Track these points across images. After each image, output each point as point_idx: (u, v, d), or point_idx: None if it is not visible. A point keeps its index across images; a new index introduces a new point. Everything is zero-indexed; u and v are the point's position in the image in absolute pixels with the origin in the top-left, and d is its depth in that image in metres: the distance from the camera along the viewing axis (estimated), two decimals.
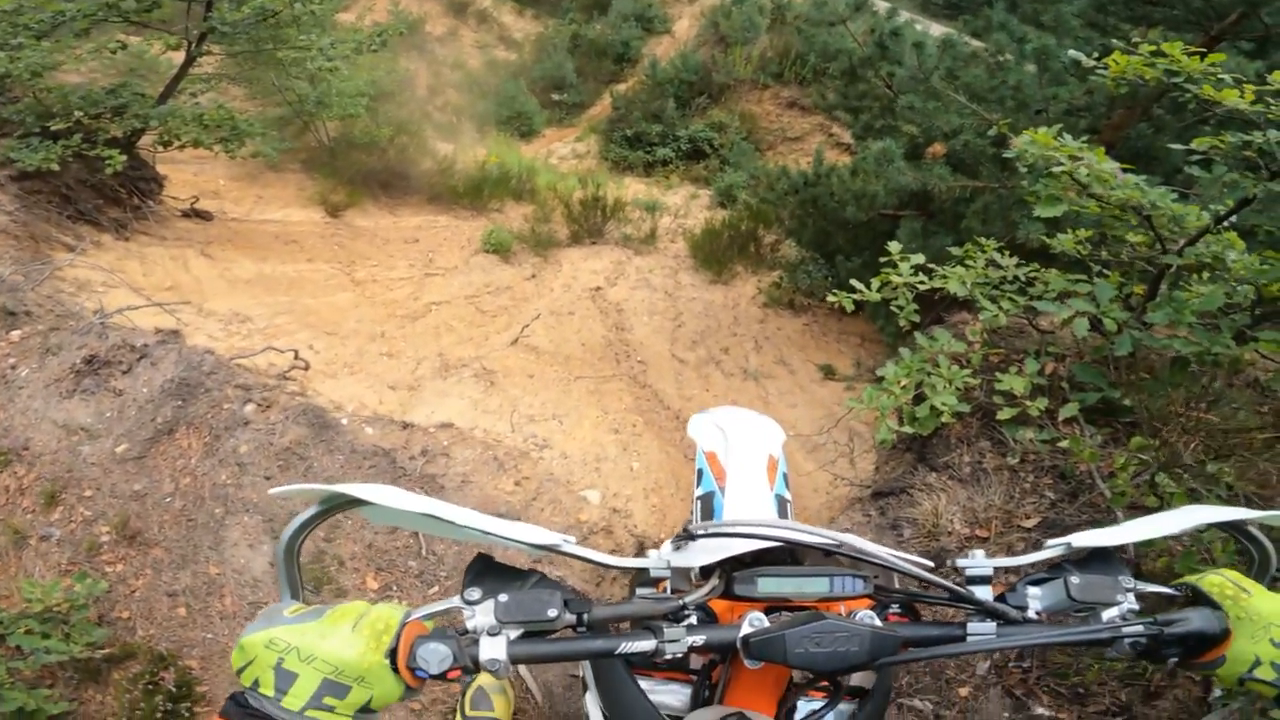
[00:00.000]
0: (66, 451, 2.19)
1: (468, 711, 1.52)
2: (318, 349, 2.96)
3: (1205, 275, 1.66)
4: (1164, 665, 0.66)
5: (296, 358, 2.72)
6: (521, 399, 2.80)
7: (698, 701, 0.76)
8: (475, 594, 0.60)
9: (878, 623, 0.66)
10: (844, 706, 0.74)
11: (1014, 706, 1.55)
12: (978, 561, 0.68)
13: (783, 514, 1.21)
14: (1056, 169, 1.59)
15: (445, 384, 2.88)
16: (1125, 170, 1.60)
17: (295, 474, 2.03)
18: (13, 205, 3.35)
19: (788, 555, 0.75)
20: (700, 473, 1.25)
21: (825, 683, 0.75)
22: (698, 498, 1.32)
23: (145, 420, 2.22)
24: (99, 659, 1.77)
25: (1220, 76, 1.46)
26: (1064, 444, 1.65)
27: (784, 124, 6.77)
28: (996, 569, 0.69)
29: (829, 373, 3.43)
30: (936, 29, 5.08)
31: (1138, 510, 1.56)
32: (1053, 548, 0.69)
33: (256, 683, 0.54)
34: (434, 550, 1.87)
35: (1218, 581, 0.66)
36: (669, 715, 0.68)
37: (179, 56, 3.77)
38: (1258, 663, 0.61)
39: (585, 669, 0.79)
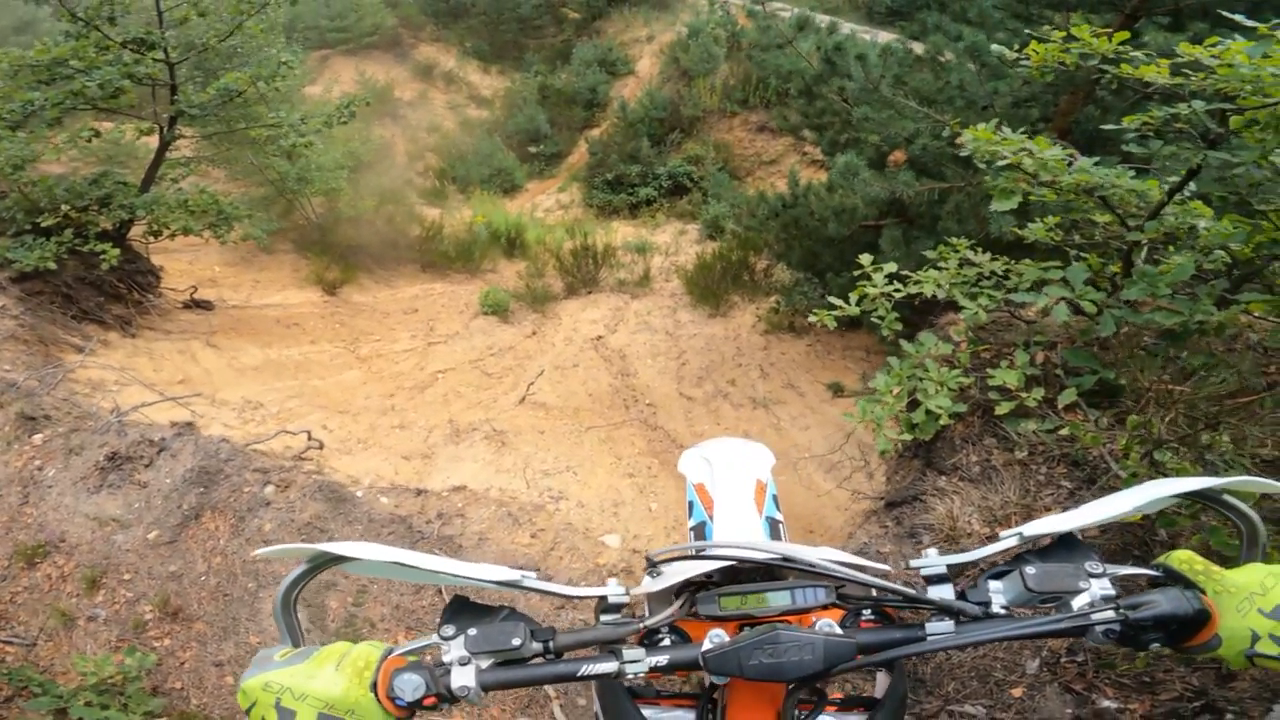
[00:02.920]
0: (101, 541, 2.27)
1: None
2: (330, 428, 2.99)
3: (1175, 248, 1.65)
4: (1149, 651, 0.64)
5: (310, 438, 2.75)
6: (534, 455, 2.82)
7: None
8: (449, 630, 0.65)
9: (836, 630, 0.67)
10: (854, 718, 0.73)
11: (1075, 702, 1.50)
12: (930, 560, 0.68)
13: (775, 535, 1.21)
14: (1001, 162, 1.61)
15: (458, 449, 2.90)
16: (1073, 155, 1.60)
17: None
18: (18, 309, 3.41)
19: (765, 574, 0.76)
20: (691, 505, 1.26)
21: (835, 695, 0.76)
22: (690, 529, 1.34)
23: (172, 508, 2.30)
24: None
25: (1131, 55, 1.47)
26: (1065, 431, 1.65)
27: (758, 149, 6.93)
28: (950, 566, 0.68)
29: (838, 390, 3.45)
30: (884, 36, 5.21)
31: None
32: (1006, 538, 0.68)
33: None
34: None
35: (1185, 557, 0.64)
36: None
37: (154, 141, 3.83)
38: (1256, 637, 0.58)
39: (594, 701, 0.81)
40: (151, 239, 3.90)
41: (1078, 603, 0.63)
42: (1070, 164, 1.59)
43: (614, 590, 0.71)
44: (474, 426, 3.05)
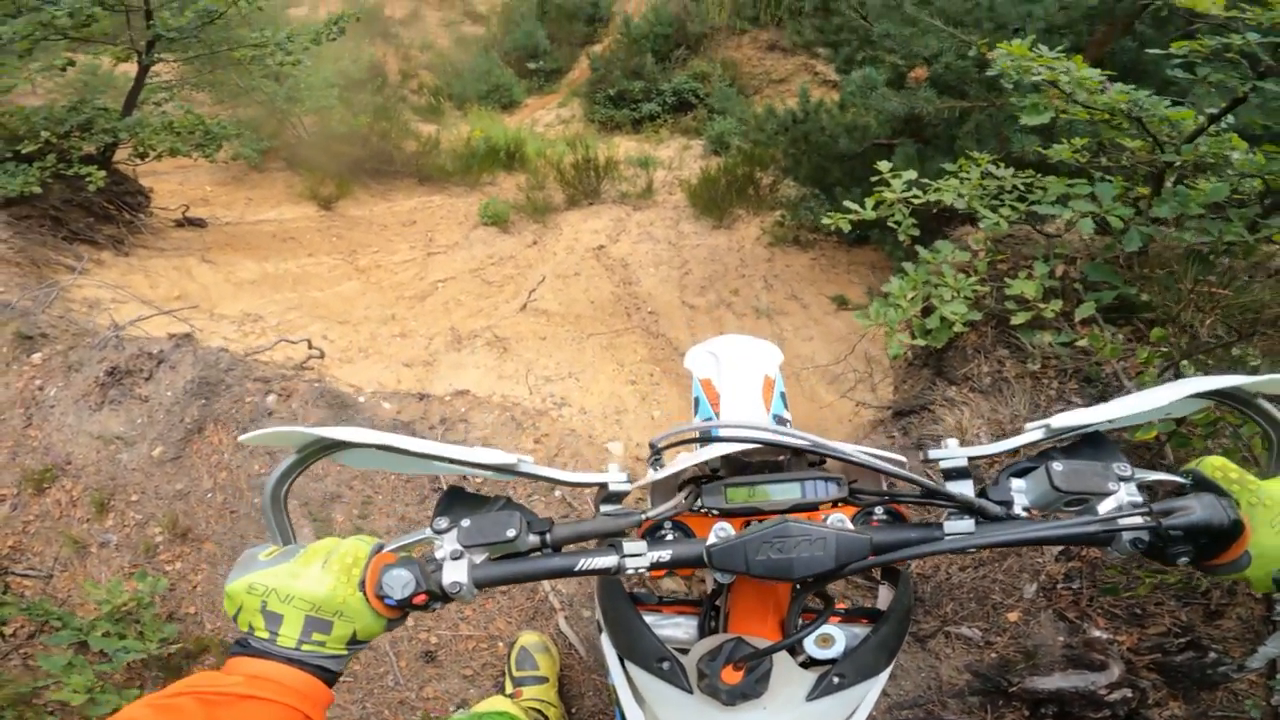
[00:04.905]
0: (107, 461, 2.24)
1: (514, 672, 1.53)
2: (331, 338, 2.97)
3: (1208, 175, 1.62)
4: (1175, 567, 0.57)
5: (310, 346, 2.73)
6: (536, 361, 2.80)
7: (704, 632, 0.74)
8: (442, 523, 0.61)
9: (849, 526, 0.62)
10: (858, 630, 0.70)
11: (1068, 630, 1.51)
12: (951, 452, 0.62)
13: None
14: (1034, 78, 1.56)
15: (459, 356, 2.88)
16: (1107, 81, 1.57)
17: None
18: (6, 233, 3.34)
19: (773, 469, 0.72)
20: (696, 401, 1.22)
21: (840, 605, 0.72)
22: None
23: (175, 422, 2.26)
24: (176, 654, 1.81)
25: None
26: (1083, 343, 1.62)
27: (767, 67, 6.60)
28: (971, 459, 0.62)
29: (842, 303, 3.40)
30: None
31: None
32: (1031, 430, 0.63)
33: (251, 627, 0.57)
34: None
35: (1219, 464, 0.57)
36: (676, 649, 0.67)
37: (133, 69, 3.70)
38: None
39: (598, 612, 0.79)
40: (138, 161, 3.80)
41: (1104, 507, 0.57)
42: (1104, 88, 1.54)
43: (615, 477, 0.66)
44: (475, 334, 3.03)
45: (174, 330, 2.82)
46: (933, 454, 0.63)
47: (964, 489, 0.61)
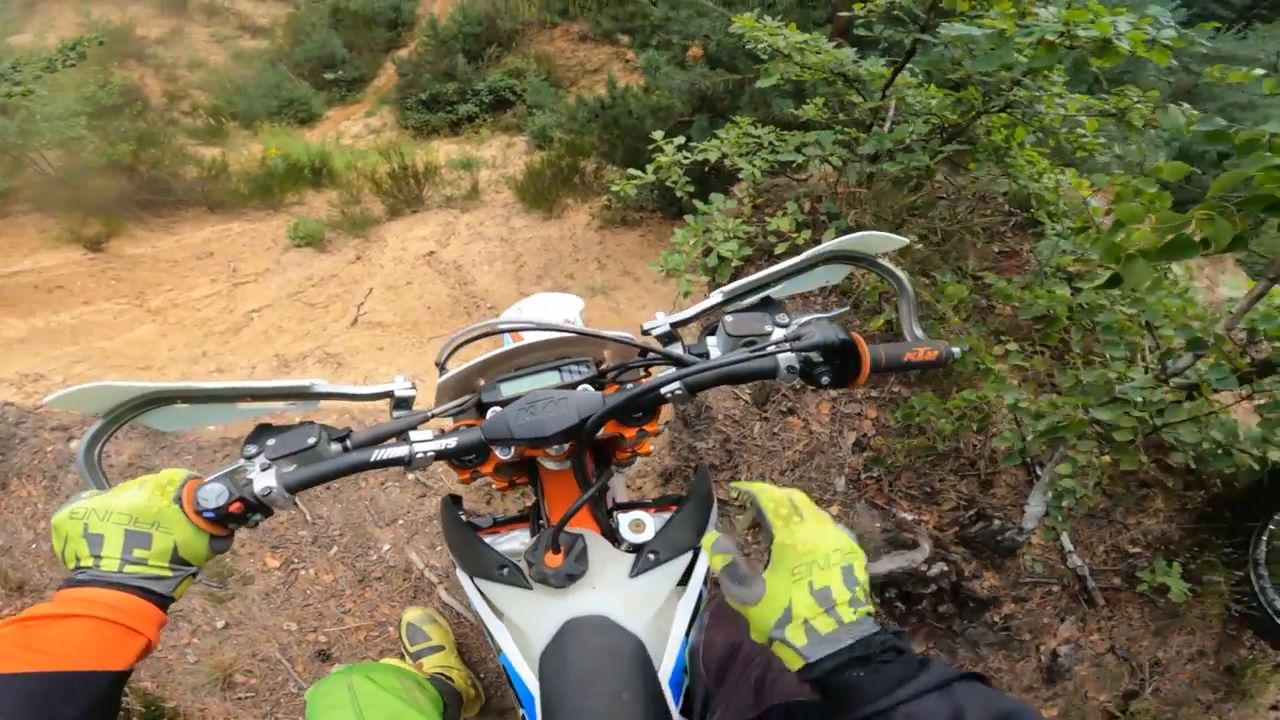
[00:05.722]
0: None
1: (409, 648, 1.54)
2: None
3: (912, 121, 2.01)
4: (822, 386, 0.72)
5: None
6: (375, 371, 2.71)
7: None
8: (251, 449, 0.66)
9: (591, 392, 0.71)
10: (665, 515, 0.78)
11: (882, 516, 1.76)
12: (659, 321, 0.77)
13: None
14: (761, 45, 1.86)
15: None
16: (839, 44, 1.93)
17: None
18: None
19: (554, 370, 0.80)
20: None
21: (645, 501, 0.83)
22: None
23: None
24: None
25: None
26: None
27: (580, 58, 6.76)
28: (673, 324, 0.77)
29: (670, 272, 3.64)
30: None
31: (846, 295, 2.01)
32: (714, 295, 0.78)
33: (77, 556, 0.58)
34: (319, 515, 1.84)
35: (777, 498, 0.64)
36: (515, 560, 0.74)
37: None
38: (787, 618, 0.54)
39: (448, 550, 0.85)
40: None
41: (769, 345, 0.71)
42: (818, 51, 1.88)
43: (400, 385, 0.73)
44: (304, 355, 2.84)
45: None
46: (646, 325, 0.78)
47: (675, 349, 0.76)
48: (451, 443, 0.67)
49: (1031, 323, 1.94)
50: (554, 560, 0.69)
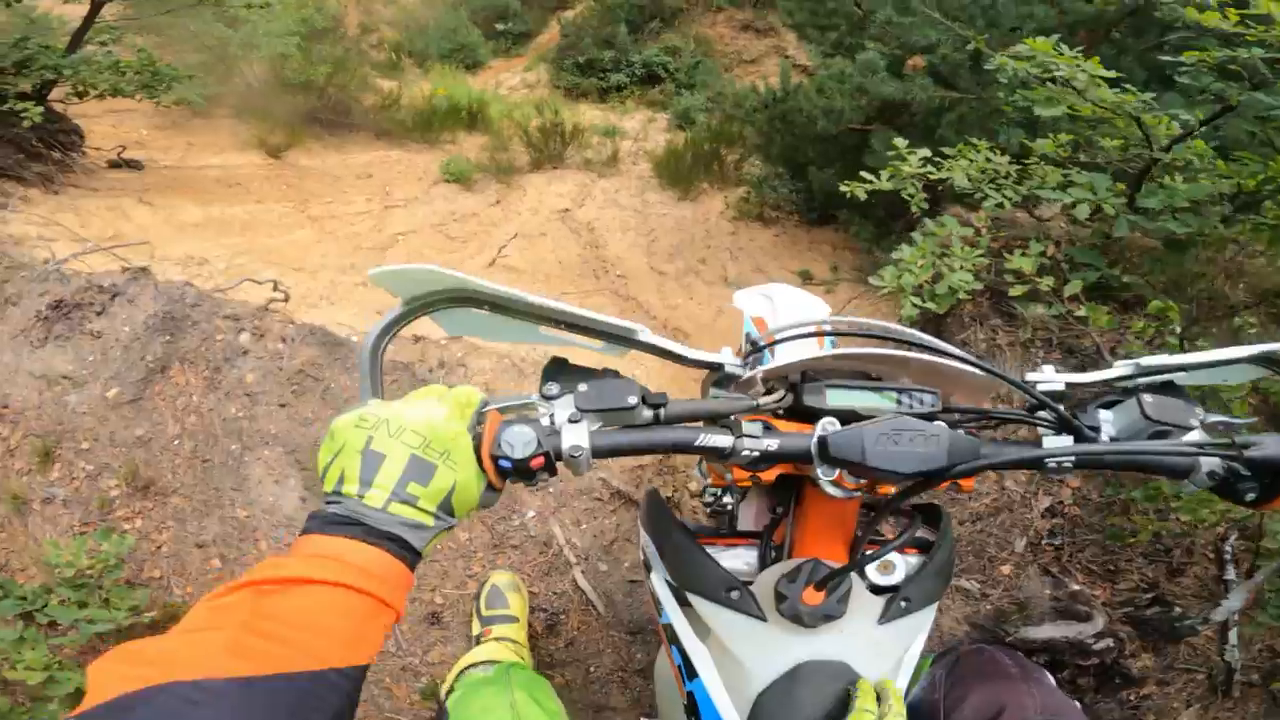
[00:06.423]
0: (52, 403, 2.02)
1: (483, 611, 1.51)
2: (288, 284, 2.84)
3: (1174, 175, 1.79)
4: (1242, 502, 0.60)
5: (276, 288, 2.60)
6: None
7: (765, 562, 0.74)
8: (553, 389, 0.58)
9: (967, 437, 0.62)
10: (912, 559, 0.72)
11: (1052, 584, 1.63)
12: (1048, 376, 0.66)
13: None
14: (1050, 75, 1.68)
15: None
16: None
17: (312, 397, 1.94)
18: None
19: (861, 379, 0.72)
20: (747, 337, 1.23)
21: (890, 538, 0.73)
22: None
23: (133, 360, 2.06)
24: (144, 624, 1.61)
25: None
26: (1081, 313, 1.76)
27: (739, 47, 6.63)
28: (1068, 384, 0.66)
29: (807, 277, 3.48)
30: None
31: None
32: (1122, 366, 0.67)
33: (342, 478, 0.49)
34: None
35: None
36: (747, 582, 0.66)
37: (74, 12, 3.49)
38: None
39: (647, 548, 0.78)
40: (76, 100, 3.54)
41: (1186, 440, 0.60)
42: (1119, 88, 1.69)
43: (730, 359, 0.66)
44: None
45: (114, 268, 2.64)
46: (1031, 376, 0.66)
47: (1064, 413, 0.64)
48: (774, 445, 0.59)
49: None
50: (814, 598, 0.62)
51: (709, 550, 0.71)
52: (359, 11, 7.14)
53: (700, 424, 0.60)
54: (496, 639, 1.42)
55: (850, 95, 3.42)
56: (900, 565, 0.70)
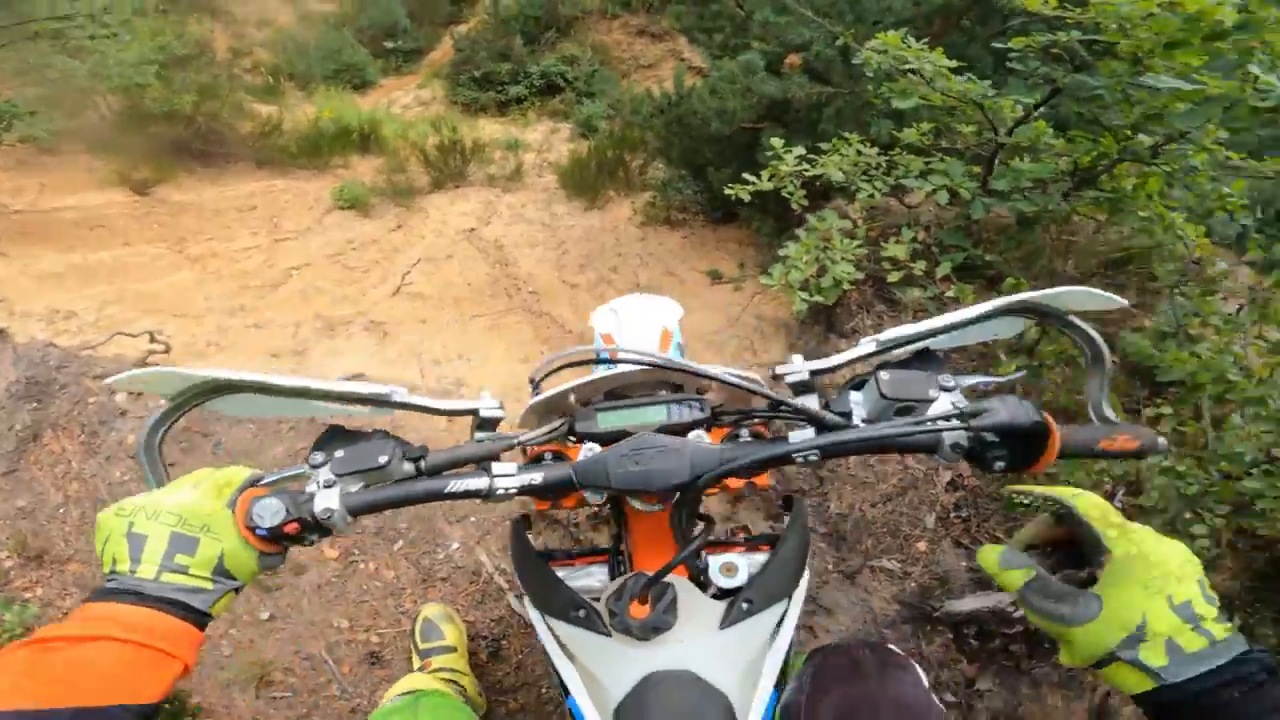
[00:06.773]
0: None
1: (420, 645, 1.48)
2: (169, 333, 2.61)
3: (1022, 156, 1.95)
4: (992, 471, 0.59)
5: (153, 339, 2.39)
6: (420, 344, 2.67)
7: (614, 577, 0.76)
8: (318, 457, 0.61)
9: (706, 441, 0.65)
10: (758, 557, 0.72)
11: (967, 555, 1.70)
12: (795, 366, 0.66)
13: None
14: (906, 67, 1.79)
15: (335, 343, 2.67)
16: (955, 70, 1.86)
17: (203, 453, 1.85)
18: None
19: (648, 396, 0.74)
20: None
21: (736, 539, 0.76)
22: None
23: (2, 431, 1.93)
24: None
25: None
26: (951, 293, 1.87)
27: (636, 52, 6.72)
28: (813, 372, 0.66)
29: (716, 276, 3.57)
30: None
31: (1019, 354, 1.83)
32: (864, 343, 0.66)
33: (114, 560, 0.53)
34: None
35: (1099, 505, 0.56)
36: (593, 597, 0.66)
37: None
38: (1140, 636, 0.47)
39: (515, 575, 0.79)
40: None
41: (930, 413, 0.59)
42: (963, 77, 1.83)
43: (487, 403, 0.66)
44: (347, 320, 2.81)
45: None
46: (779, 369, 0.67)
47: (810, 402, 0.66)
48: (537, 478, 0.61)
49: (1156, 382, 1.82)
50: (640, 611, 0.62)
51: (562, 572, 0.73)
52: (228, 36, 6.72)
53: (467, 468, 0.63)
54: (434, 670, 1.38)
55: (740, 95, 3.54)
56: (744, 566, 0.69)
